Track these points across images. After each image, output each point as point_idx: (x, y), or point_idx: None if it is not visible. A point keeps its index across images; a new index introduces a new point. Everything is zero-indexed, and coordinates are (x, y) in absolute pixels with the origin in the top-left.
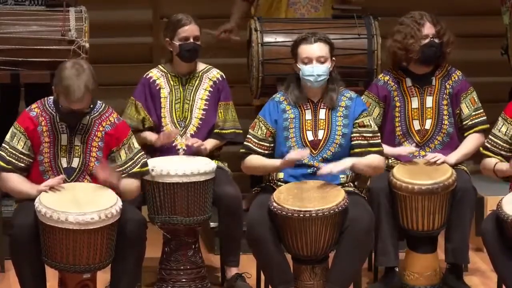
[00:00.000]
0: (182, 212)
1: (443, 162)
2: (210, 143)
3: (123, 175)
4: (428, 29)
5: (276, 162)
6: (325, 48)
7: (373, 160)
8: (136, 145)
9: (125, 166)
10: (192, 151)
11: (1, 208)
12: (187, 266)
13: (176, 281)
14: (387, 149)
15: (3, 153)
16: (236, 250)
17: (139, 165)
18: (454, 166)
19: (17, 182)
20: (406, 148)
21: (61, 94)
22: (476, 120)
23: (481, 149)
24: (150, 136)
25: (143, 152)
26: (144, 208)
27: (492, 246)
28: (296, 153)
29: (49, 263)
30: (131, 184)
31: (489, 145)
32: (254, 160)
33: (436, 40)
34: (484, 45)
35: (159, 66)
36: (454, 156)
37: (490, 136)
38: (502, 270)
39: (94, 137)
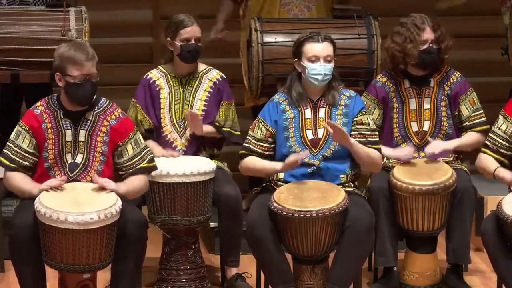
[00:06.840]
0: (182, 212)
1: (443, 154)
2: (206, 128)
3: (131, 171)
4: (428, 34)
5: (277, 165)
6: (331, 48)
7: (373, 152)
8: (143, 141)
9: (133, 161)
10: (192, 151)
11: (1, 208)
12: (187, 266)
13: (176, 281)
14: (386, 151)
15: (7, 152)
16: (236, 250)
17: (146, 160)
18: (453, 162)
19: (21, 182)
20: (404, 149)
21: (69, 65)
22: (476, 121)
23: (482, 148)
24: (153, 147)
25: (149, 148)
26: (144, 208)
27: (492, 246)
28: (295, 156)
29: (49, 263)
30: (139, 182)
31: (489, 143)
32: (252, 162)
33: (435, 46)
34: (484, 45)
35: (159, 66)
36: (455, 143)
37: (490, 134)
38: (502, 270)
39: (99, 132)
